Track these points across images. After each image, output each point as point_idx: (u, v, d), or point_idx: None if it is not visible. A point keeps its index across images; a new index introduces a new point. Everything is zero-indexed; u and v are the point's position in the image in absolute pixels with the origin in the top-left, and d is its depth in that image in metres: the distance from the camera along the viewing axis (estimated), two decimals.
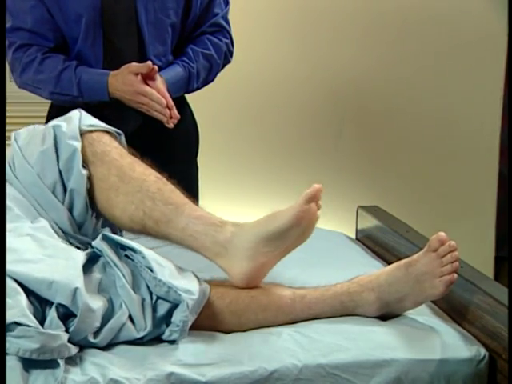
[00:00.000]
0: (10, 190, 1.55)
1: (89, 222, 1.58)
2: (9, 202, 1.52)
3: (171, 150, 2.15)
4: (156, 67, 1.94)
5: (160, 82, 1.97)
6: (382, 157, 3.12)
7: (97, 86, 1.99)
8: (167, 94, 1.96)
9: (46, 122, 2.16)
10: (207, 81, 2.14)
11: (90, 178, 1.56)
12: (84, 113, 1.63)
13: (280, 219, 1.46)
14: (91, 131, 1.59)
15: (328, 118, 3.08)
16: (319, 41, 3.00)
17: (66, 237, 1.55)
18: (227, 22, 2.16)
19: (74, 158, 1.54)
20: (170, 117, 1.96)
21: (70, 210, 1.56)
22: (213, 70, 2.13)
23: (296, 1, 2.98)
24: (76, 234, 1.56)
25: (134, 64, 1.94)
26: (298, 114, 3.05)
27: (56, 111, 2.14)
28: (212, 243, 1.49)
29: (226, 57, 2.16)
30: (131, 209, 1.53)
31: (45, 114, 2.19)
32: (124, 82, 1.94)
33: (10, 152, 1.61)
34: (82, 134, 1.57)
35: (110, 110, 2.03)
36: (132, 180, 1.54)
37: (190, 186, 2.24)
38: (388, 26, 3.03)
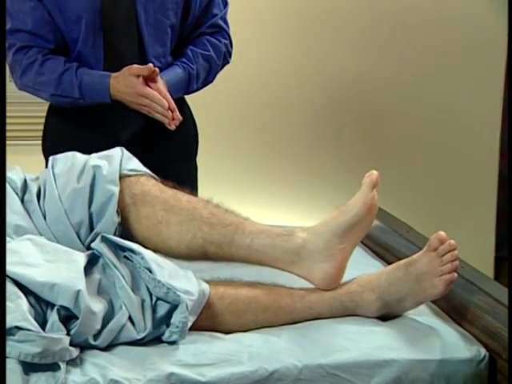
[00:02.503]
0: (25, 224, 1.52)
1: None
2: (14, 234, 1.49)
3: (171, 150, 2.15)
4: (157, 69, 1.94)
5: (161, 83, 1.97)
6: (382, 157, 3.11)
7: (98, 88, 1.98)
8: (169, 96, 1.96)
9: (45, 123, 2.16)
10: (206, 82, 2.14)
11: (127, 221, 1.54)
12: (126, 153, 1.62)
13: (350, 212, 1.49)
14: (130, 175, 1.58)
15: (328, 118, 3.08)
16: (320, 41, 2.99)
17: None
18: (226, 22, 2.16)
19: (110, 202, 1.52)
20: (171, 118, 1.96)
21: None
22: (212, 71, 2.13)
23: (296, 1, 2.98)
24: None
25: (135, 66, 1.93)
26: (299, 114, 3.04)
27: (55, 112, 2.13)
28: (283, 253, 1.50)
29: (225, 57, 2.16)
30: (188, 238, 1.52)
31: (44, 114, 2.19)
32: (125, 83, 1.94)
33: (43, 175, 1.59)
34: (121, 177, 1.56)
35: (111, 111, 2.03)
36: (182, 210, 1.54)
37: (189, 187, 2.25)
38: (388, 26, 3.03)
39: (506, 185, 3.10)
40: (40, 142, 2.18)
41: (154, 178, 1.62)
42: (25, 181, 1.59)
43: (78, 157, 1.60)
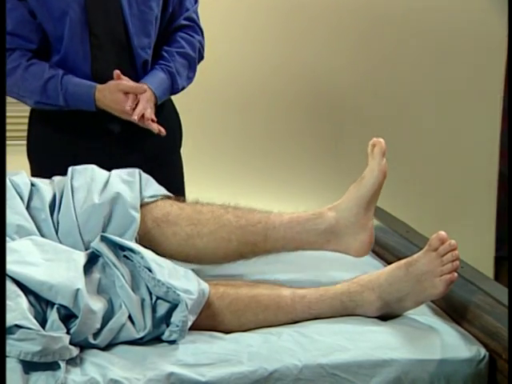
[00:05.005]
0: (27, 225, 1.52)
1: None
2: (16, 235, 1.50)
3: (157, 142, 2.14)
4: (145, 86, 1.94)
5: (144, 98, 1.96)
6: None
7: (83, 99, 1.97)
8: (149, 111, 1.96)
9: (29, 125, 2.12)
10: (189, 78, 2.15)
11: (153, 243, 1.57)
12: (143, 176, 1.66)
13: (369, 181, 1.59)
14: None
15: (328, 118, 3.08)
16: (318, 40, 2.99)
17: None
18: (198, 18, 2.17)
19: (131, 227, 1.56)
20: (157, 129, 1.97)
21: None
22: (191, 66, 2.14)
23: (294, 1, 2.98)
24: None
25: (124, 83, 1.92)
26: (299, 114, 3.04)
27: (38, 116, 2.10)
28: (317, 235, 1.59)
29: (200, 53, 2.17)
30: (224, 244, 1.58)
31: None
32: (112, 99, 1.94)
33: (59, 184, 1.60)
34: (142, 204, 1.60)
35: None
36: (208, 220, 1.59)
37: (176, 178, 2.24)
38: (387, 26, 3.03)
39: (505, 185, 3.10)
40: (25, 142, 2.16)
41: (169, 197, 1.66)
42: (31, 187, 1.59)
43: (97, 172, 1.63)
